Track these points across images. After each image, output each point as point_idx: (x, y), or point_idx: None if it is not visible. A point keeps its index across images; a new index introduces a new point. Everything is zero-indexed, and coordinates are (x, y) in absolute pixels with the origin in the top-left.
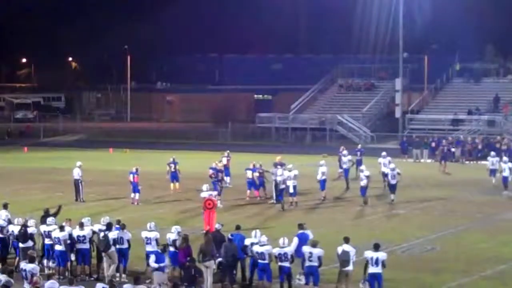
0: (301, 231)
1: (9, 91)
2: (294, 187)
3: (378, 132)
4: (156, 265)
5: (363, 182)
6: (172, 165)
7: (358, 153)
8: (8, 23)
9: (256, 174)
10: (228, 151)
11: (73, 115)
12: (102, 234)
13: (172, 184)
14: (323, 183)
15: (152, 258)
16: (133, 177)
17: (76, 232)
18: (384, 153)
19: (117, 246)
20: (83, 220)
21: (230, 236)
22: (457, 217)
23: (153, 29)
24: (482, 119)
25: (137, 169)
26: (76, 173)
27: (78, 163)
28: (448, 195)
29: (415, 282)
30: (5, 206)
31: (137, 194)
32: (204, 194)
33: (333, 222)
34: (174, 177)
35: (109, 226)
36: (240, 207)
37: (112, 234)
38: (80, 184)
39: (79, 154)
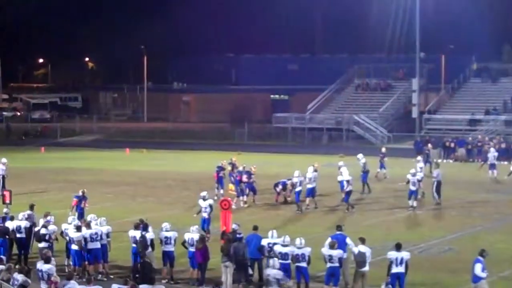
0: (338, 233)
1: (26, 91)
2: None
3: (395, 133)
4: (483, 275)
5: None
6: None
7: (381, 155)
8: (24, 23)
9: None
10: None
11: (90, 115)
12: (140, 235)
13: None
14: (342, 184)
15: (479, 267)
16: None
17: (85, 231)
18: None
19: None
20: (89, 219)
21: (238, 235)
22: (475, 217)
23: (170, 29)
24: (500, 119)
25: (83, 193)
26: (0, 169)
27: (3, 160)
28: (465, 195)
29: (433, 282)
30: (31, 207)
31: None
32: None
33: (350, 223)
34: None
35: (145, 227)
36: (257, 208)
37: (150, 235)
38: (2, 180)
39: (95, 154)
